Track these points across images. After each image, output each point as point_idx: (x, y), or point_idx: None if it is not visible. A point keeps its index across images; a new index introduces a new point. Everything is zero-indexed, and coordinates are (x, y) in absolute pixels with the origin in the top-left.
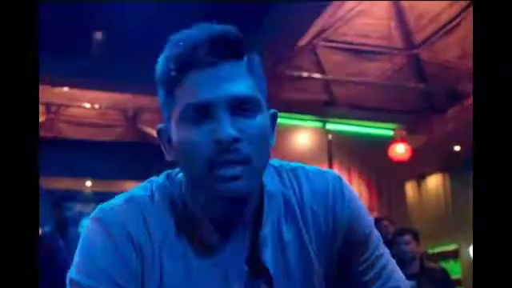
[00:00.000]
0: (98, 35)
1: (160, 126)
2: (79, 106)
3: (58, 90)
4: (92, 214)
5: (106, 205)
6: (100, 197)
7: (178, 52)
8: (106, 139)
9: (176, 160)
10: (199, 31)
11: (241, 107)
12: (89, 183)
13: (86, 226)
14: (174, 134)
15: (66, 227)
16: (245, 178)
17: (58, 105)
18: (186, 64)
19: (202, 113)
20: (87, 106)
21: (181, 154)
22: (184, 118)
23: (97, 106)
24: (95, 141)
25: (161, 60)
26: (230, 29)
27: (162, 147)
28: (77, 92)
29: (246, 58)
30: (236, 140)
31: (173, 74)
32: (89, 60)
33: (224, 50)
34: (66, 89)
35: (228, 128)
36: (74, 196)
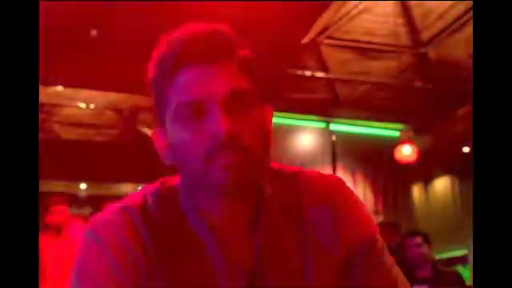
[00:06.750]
0: (94, 32)
1: (154, 130)
2: (74, 106)
3: (51, 89)
4: (85, 227)
5: (98, 216)
6: (95, 200)
7: (169, 53)
8: (101, 140)
9: (174, 163)
10: (190, 31)
11: (236, 101)
12: (83, 186)
13: (79, 238)
14: (170, 136)
15: (60, 232)
16: (243, 167)
17: (52, 105)
18: (177, 64)
19: (196, 110)
20: (82, 105)
21: (177, 153)
22: (178, 117)
23: (92, 106)
24: (90, 142)
25: (151, 62)
26: (221, 28)
27: (159, 152)
28: (71, 91)
29: (238, 57)
30: (233, 134)
31: (164, 75)
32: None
33: (215, 50)
34: (59, 88)
35: (224, 122)
36: (68, 199)
